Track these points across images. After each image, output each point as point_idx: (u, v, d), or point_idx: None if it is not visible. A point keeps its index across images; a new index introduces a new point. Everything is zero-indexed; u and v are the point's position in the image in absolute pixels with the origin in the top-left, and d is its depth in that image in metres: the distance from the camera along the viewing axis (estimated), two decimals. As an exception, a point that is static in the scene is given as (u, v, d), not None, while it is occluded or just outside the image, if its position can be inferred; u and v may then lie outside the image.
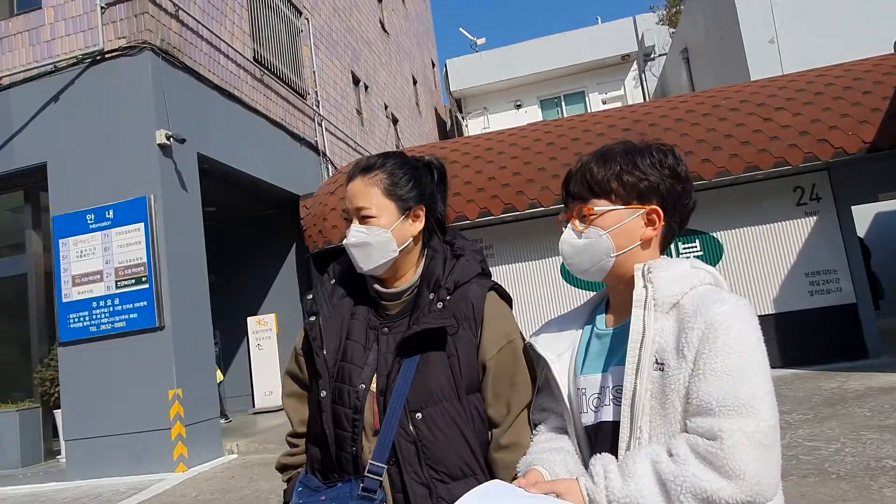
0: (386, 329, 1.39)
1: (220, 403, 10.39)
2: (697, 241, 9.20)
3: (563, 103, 24.12)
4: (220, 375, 10.70)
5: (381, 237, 1.36)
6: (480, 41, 26.14)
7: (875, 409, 5.60)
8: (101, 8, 7.76)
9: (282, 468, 1.53)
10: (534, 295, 9.42)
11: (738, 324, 1.12)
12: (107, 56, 7.80)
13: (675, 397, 1.12)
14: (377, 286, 1.43)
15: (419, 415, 1.29)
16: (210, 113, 8.76)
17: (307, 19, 12.47)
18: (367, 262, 1.37)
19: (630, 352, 1.17)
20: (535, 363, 1.38)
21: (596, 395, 1.24)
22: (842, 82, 8.67)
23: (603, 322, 1.32)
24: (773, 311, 8.82)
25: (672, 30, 20.55)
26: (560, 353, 1.32)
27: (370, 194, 1.38)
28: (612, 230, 1.24)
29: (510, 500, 1.11)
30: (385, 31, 18.59)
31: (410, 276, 1.42)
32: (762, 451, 1.03)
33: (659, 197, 1.27)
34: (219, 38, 9.20)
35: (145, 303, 7.42)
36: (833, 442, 4.80)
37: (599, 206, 1.25)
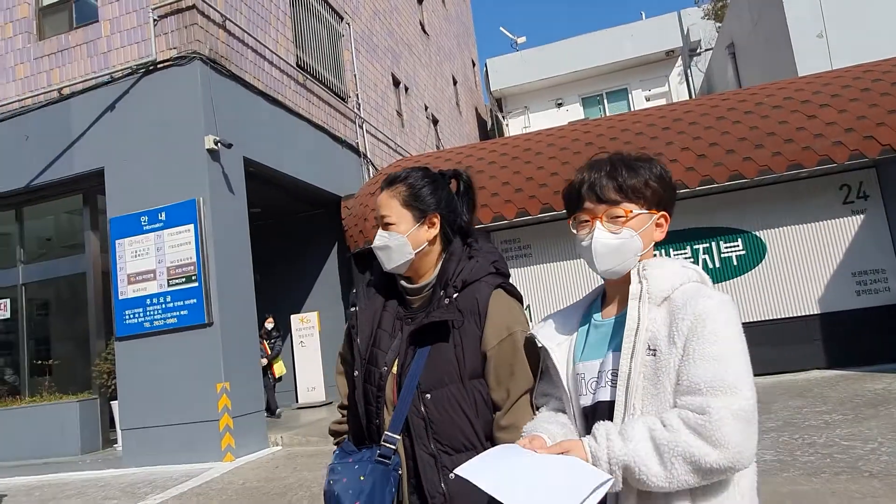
0: (409, 320, 1.59)
1: (273, 399, 10.69)
2: (739, 240, 9.08)
3: (605, 101, 23.84)
4: (281, 368, 10.97)
5: (398, 241, 1.58)
6: (521, 40, 26.08)
7: (919, 411, 5.48)
8: (154, 20, 8.17)
9: (332, 433, 1.79)
10: (571, 293, 9.43)
11: (723, 316, 1.25)
12: (159, 66, 8.20)
13: (665, 379, 1.26)
14: (403, 283, 1.64)
15: (428, 395, 1.50)
16: (255, 118, 9.10)
17: (348, 24, 12.76)
18: (388, 262, 1.60)
19: (626, 339, 1.30)
20: (539, 352, 1.51)
21: (594, 379, 1.38)
22: (889, 77, 8.44)
23: (600, 315, 1.45)
24: (819, 312, 8.65)
25: (718, 24, 20.12)
26: (559, 342, 1.45)
27: (391, 205, 1.61)
28: (641, 231, 1.37)
29: (518, 458, 1.24)
30: (425, 32, 18.79)
31: (430, 275, 1.62)
32: (744, 425, 1.17)
33: (664, 204, 1.41)
34: (263, 45, 9.53)
35: (195, 300, 7.78)
36: (870, 441, 4.74)
37: (635, 209, 1.37)
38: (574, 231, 1.44)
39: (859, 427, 5.20)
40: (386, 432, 1.51)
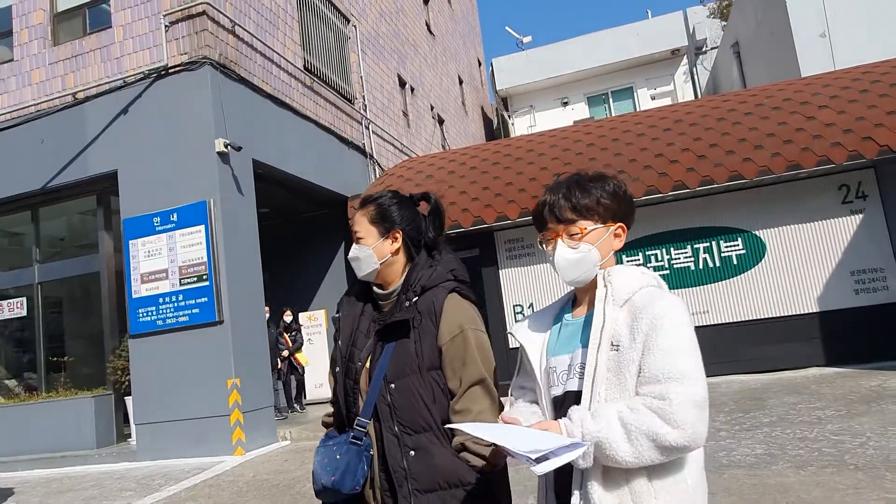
0: (381, 321, 1.85)
1: (290, 397, 10.82)
2: (739, 239, 9.21)
3: (610, 100, 23.93)
4: (305, 359, 11.06)
5: (365, 253, 1.86)
6: (527, 39, 26.21)
7: (910, 407, 5.61)
8: (165, 26, 8.39)
9: (323, 424, 2.03)
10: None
11: (678, 315, 1.45)
12: (170, 71, 8.42)
13: (626, 371, 1.44)
14: (376, 289, 1.92)
15: (393, 385, 1.76)
16: (264, 121, 9.31)
17: (355, 26, 12.94)
18: (359, 270, 1.88)
19: (593, 335, 1.49)
20: (519, 347, 1.71)
21: (564, 372, 1.57)
22: (888, 79, 8.54)
23: (570, 315, 1.63)
24: (818, 310, 8.77)
25: (724, 23, 20.17)
26: (533, 340, 1.66)
27: (361, 222, 1.89)
28: (598, 244, 1.55)
29: (506, 427, 1.45)
30: (431, 32, 18.94)
31: (396, 282, 1.89)
32: (698, 409, 1.35)
33: (621, 216, 1.59)
34: (272, 49, 9.74)
35: (206, 299, 8.00)
36: (859, 436, 4.89)
37: (590, 225, 1.55)
38: (543, 247, 1.64)
39: (850, 423, 5.35)
40: (358, 417, 1.79)
